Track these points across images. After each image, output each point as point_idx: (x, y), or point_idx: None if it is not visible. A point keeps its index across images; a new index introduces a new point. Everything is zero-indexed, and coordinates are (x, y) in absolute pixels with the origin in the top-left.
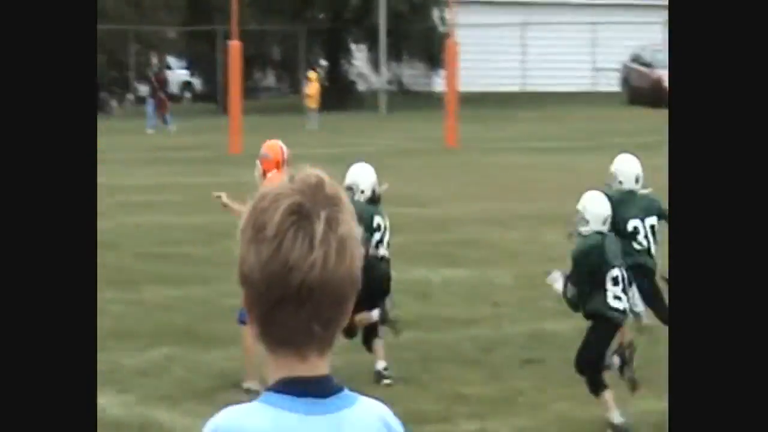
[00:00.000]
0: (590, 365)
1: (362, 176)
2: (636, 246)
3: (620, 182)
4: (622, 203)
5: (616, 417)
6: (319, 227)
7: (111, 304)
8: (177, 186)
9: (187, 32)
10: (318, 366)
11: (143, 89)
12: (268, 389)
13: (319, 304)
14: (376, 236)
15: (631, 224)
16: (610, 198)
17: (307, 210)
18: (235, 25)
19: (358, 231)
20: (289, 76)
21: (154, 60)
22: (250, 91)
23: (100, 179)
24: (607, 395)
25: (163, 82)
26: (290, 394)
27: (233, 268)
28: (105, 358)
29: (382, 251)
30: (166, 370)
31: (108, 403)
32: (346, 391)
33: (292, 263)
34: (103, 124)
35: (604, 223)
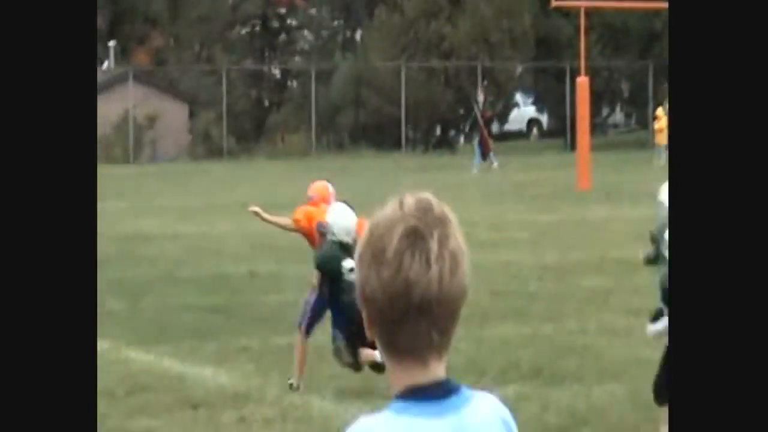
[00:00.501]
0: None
1: None
2: None
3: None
4: None
5: None
6: (434, 246)
7: (461, 341)
8: (525, 222)
9: (535, 68)
10: (437, 371)
11: (493, 127)
12: (396, 397)
13: (438, 315)
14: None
15: None
16: None
17: (421, 231)
18: (584, 61)
19: (465, 246)
20: (637, 112)
21: (480, 97)
22: (598, 126)
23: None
24: None
25: (488, 120)
26: (416, 400)
27: (583, 305)
28: None
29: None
30: (516, 408)
31: None
32: (464, 390)
33: (413, 280)
34: (450, 161)
35: None
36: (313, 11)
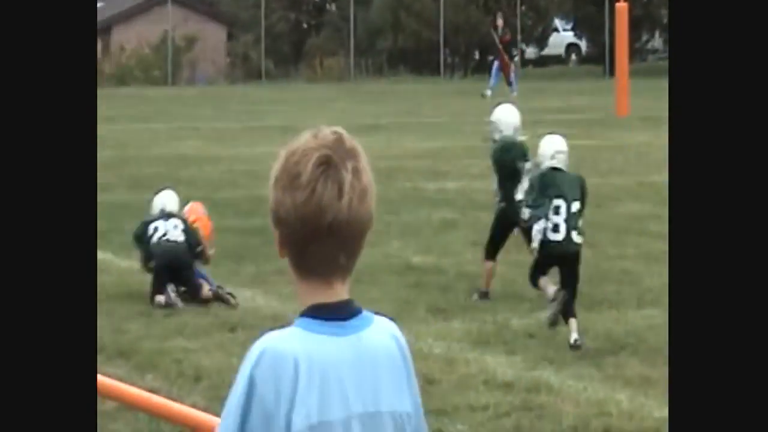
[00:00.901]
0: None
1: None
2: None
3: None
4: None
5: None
6: (347, 175)
7: (499, 265)
8: None
9: None
10: (341, 292)
11: (530, 51)
12: (302, 314)
13: (345, 239)
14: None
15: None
16: None
17: (334, 161)
18: None
19: (372, 179)
20: None
21: (500, 21)
22: (636, 52)
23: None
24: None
25: (507, 44)
26: (318, 318)
27: (621, 231)
28: (493, 319)
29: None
30: (552, 333)
31: (497, 363)
32: (365, 313)
33: (325, 205)
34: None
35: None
36: None
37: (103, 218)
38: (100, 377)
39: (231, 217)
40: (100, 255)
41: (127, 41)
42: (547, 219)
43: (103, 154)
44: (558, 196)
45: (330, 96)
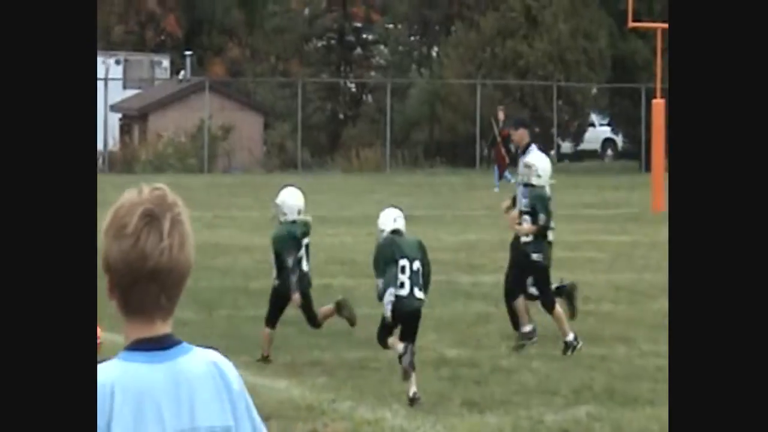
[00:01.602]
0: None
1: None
2: None
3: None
4: None
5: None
6: (166, 225)
7: (534, 360)
8: (598, 243)
9: (610, 89)
10: (162, 329)
11: (566, 146)
12: (125, 349)
13: (165, 282)
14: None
15: None
16: None
17: (156, 213)
18: (660, 83)
19: (191, 229)
20: None
21: (501, 114)
22: None
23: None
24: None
25: (506, 138)
26: (138, 351)
27: (656, 327)
28: (528, 414)
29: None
30: (588, 429)
31: None
32: (185, 344)
33: (148, 252)
34: None
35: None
36: (389, 26)
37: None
38: None
39: (266, 307)
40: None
41: (164, 129)
42: (395, 284)
43: None
44: (402, 257)
45: (366, 187)
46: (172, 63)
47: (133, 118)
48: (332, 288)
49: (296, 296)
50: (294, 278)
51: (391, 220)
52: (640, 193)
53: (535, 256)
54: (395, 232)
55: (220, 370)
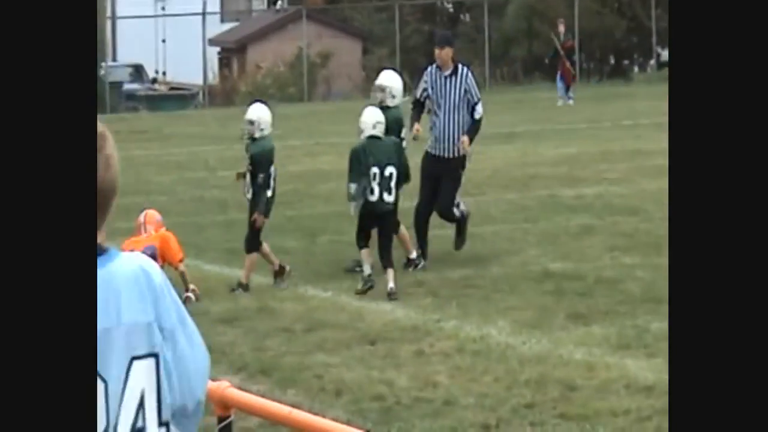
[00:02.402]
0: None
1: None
2: None
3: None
4: None
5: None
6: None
7: (638, 269)
8: None
9: None
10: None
11: (665, 54)
12: None
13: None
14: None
15: None
16: None
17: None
18: None
19: (117, 154)
20: None
21: (561, 28)
22: None
23: (632, 144)
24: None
25: (569, 50)
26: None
27: None
28: (633, 323)
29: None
30: None
31: (638, 367)
32: (112, 250)
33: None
34: (625, 90)
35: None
36: None
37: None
38: (242, 393)
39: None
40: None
41: (262, 60)
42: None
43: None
44: (374, 165)
45: None
46: None
47: (231, 51)
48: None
49: (261, 217)
50: (266, 197)
51: (370, 125)
52: None
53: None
54: (373, 137)
55: (145, 271)
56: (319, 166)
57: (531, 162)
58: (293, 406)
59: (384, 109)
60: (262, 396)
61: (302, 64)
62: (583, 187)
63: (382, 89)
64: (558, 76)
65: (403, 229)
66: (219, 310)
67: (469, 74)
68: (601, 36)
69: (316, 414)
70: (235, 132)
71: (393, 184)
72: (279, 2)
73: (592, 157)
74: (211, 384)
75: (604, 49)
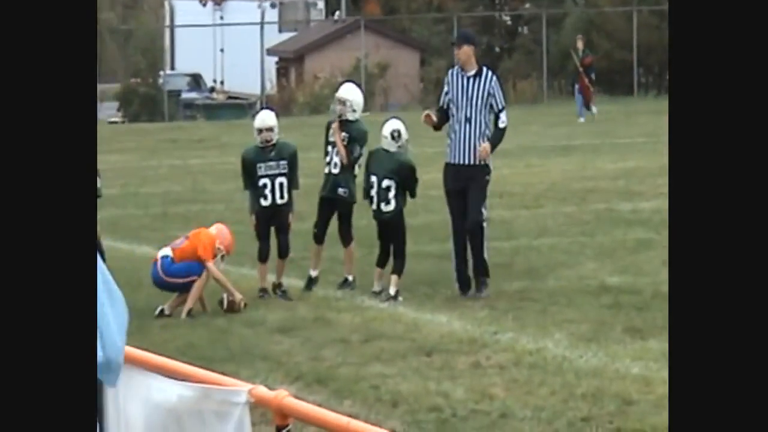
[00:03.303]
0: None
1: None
2: None
3: None
4: None
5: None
6: None
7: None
8: None
9: None
10: None
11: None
12: None
13: None
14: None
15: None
16: None
17: None
18: None
19: None
20: None
21: (579, 44)
22: None
23: (628, 163)
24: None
25: (588, 66)
26: None
27: None
28: None
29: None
30: None
31: None
32: None
33: None
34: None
35: None
36: None
37: (301, 247)
38: (301, 403)
39: (426, 243)
40: (295, 283)
41: (320, 70)
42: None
43: (301, 182)
44: (373, 174)
45: (523, 119)
46: (326, 4)
47: (289, 61)
48: (491, 221)
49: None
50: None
51: (384, 137)
52: None
53: (340, 191)
54: (382, 149)
55: None
56: None
57: (589, 176)
58: (350, 416)
59: (345, 122)
60: (319, 406)
61: (360, 75)
62: (640, 201)
63: (343, 102)
64: (576, 91)
65: (353, 246)
66: (276, 319)
67: (494, 78)
68: (659, 50)
69: (373, 425)
70: (296, 140)
71: (392, 195)
72: (337, 12)
73: (650, 171)
74: (268, 393)
75: (662, 64)
